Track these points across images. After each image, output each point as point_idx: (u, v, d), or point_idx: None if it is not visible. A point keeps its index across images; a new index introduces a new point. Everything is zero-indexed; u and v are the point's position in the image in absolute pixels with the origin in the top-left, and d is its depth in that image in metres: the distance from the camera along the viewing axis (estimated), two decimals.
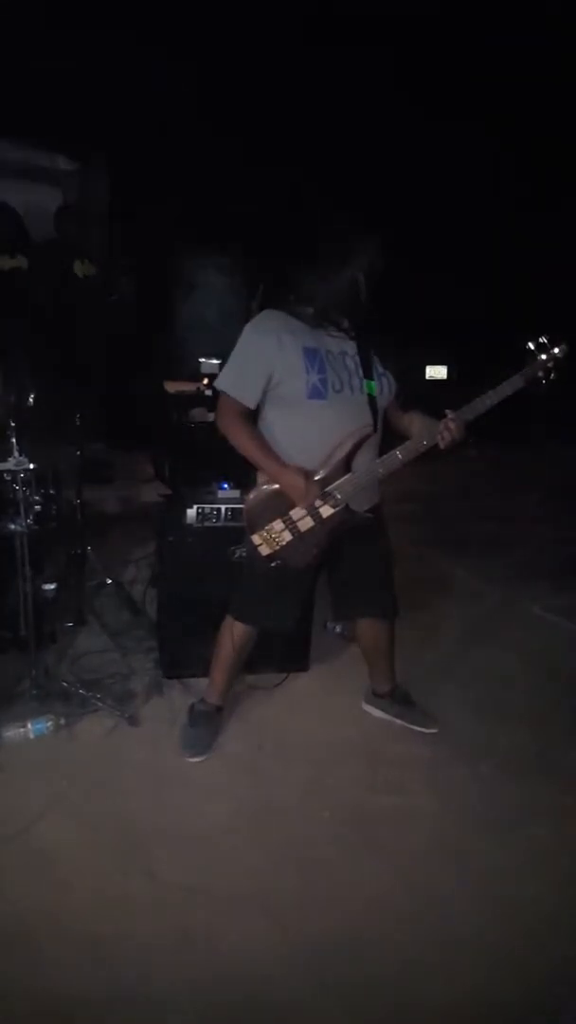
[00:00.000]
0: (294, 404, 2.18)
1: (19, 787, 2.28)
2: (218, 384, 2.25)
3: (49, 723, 2.52)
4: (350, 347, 2.25)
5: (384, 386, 2.27)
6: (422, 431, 2.23)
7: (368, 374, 2.24)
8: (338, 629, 3.32)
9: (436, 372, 8.00)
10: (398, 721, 2.71)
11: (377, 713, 2.77)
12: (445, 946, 1.82)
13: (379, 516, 2.42)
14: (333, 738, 2.64)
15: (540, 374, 2.22)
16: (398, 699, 2.74)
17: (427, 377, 7.84)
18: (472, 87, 8.15)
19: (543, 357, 2.22)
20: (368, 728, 2.70)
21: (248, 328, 2.22)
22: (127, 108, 6.58)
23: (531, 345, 2.23)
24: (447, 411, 2.18)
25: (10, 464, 2.56)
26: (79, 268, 4.47)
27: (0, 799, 2.22)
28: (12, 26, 5.90)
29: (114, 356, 4.53)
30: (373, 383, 2.24)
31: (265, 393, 2.21)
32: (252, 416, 2.26)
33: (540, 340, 2.22)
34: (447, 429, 2.17)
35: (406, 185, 8.67)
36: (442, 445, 2.20)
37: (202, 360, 4.19)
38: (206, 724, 2.57)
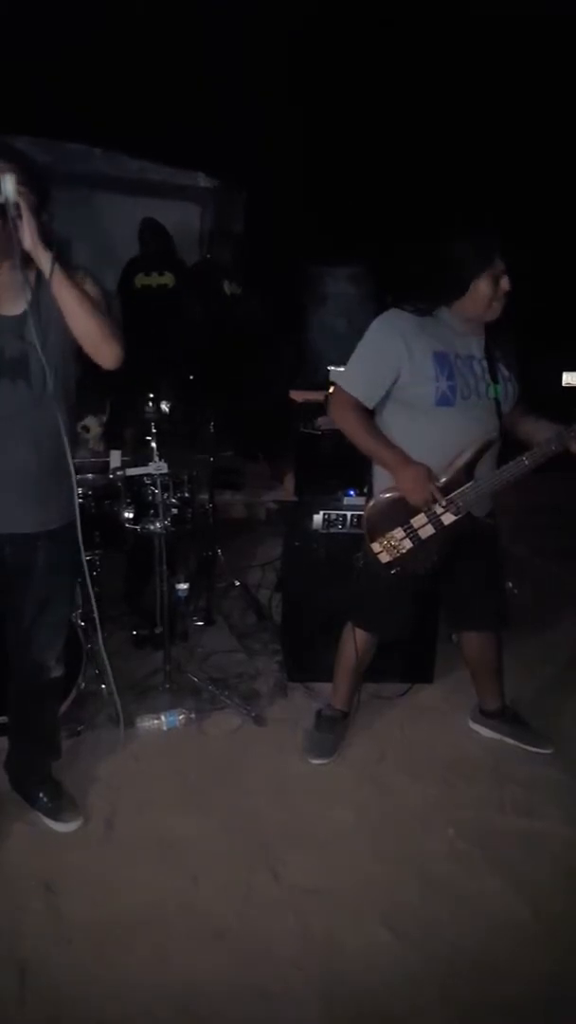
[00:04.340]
0: (419, 408, 2.16)
1: (153, 778, 2.40)
2: (339, 379, 2.23)
3: (180, 716, 2.64)
4: (477, 350, 2.21)
5: (509, 392, 2.24)
6: (550, 436, 2.16)
7: (495, 378, 2.20)
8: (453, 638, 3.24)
9: (574, 379, 7.52)
10: (510, 740, 2.59)
11: (486, 732, 2.65)
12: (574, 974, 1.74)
13: (493, 525, 2.35)
14: (457, 753, 2.59)
15: None
16: (508, 718, 2.62)
17: (563, 384, 7.40)
18: None
19: None
20: (493, 746, 2.61)
21: (375, 326, 2.19)
22: (263, 122, 6.77)
23: None
24: None
25: (150, 468, 2.72)
26: (227, 287, 4.68)
27: (138, 789, 2.34)
28: (153, 50, 6.26)
29: (245, 367, 4.68)
30: (499, 387, 2.20)
31: (388, 393, 2.20)
32: (369, 413, 2.25)
33: None
34: None
35: (537, 185, 8.34)
36: (573, 450, 2.14)
37: (331, 368, 4.23)
38: (331, 729, 2.58)
